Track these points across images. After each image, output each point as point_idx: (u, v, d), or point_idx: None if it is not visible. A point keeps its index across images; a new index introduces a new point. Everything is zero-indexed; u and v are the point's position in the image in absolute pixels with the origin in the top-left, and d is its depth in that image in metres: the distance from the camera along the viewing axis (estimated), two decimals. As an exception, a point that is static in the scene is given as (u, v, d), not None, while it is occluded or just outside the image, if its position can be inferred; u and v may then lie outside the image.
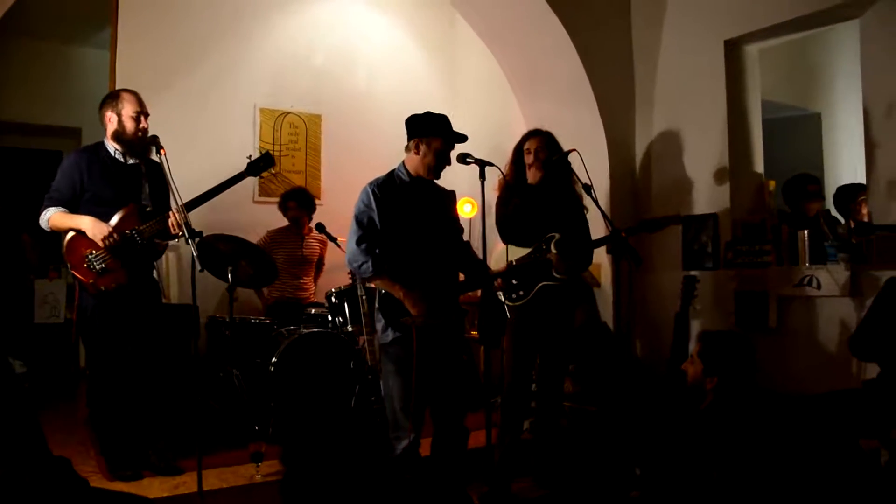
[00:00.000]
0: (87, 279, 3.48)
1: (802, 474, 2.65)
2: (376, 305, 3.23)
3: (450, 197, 3.44)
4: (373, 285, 3.43)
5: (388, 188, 3.22)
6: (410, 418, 3.13)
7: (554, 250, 3.50)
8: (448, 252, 3.29)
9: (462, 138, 3.22)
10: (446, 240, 3.30)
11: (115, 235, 3.44)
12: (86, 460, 3.85)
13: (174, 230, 3.45)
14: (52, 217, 3.52)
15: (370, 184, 3.23)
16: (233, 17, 5.86)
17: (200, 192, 3.55)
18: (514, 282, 3.58)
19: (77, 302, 3.63)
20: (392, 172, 3.29)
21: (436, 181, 3.34)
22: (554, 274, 3.52)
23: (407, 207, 3.20)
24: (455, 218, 3.30)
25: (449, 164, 3.24)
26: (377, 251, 3.15)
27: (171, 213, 3.44)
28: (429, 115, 3.24)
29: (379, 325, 3.24)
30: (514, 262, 3.54)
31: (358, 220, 3.19)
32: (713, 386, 2.89)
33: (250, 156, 3.75)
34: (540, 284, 3.54)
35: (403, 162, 3.28)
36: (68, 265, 3.55)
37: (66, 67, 7.50)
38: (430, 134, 3.19)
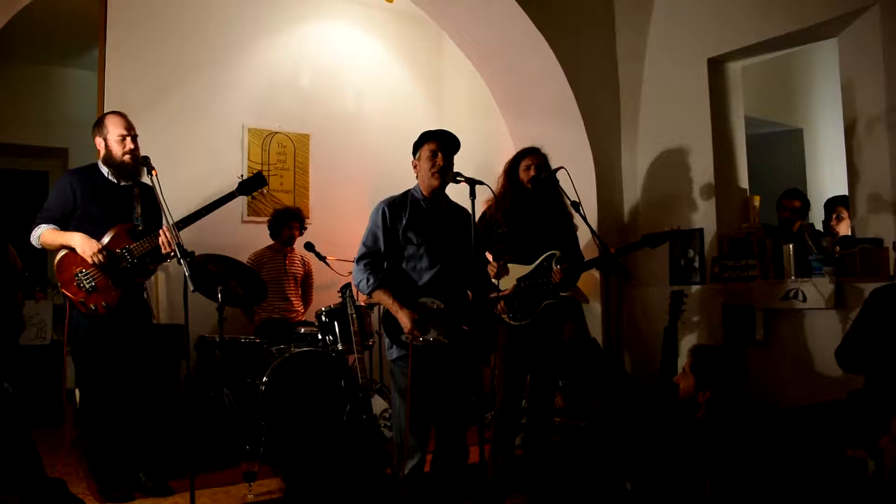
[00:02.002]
0: (77, 297, 3.48)
1: (794, 485, 2.68)
2: (380, 322, 3.27)
3: (465, 216, 3.37)
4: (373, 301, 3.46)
5: (399, 206, 3.28)
6: (415, 437, 3.14)
7: (556, 267, 3.54)
8: (456, 270, 3.29)
9: (448, 134, 3.28)
10: (455, 258, 3.29)
11: (104, 253, 3.44)
12: (75, 482, 3.82)
13: (165, 248, 3.45)
14: (43, 234, 3.54)
15: (382, 202, 3.30)
16: (221, 37, 5.89)
17: (190, 212, 3.56)
18: (515, 303, 3.59)
19: (67, 321, 3.62)
20: (408, 191, 3.36)
21: (457, 203, 3.42)
22: (560, 294, 3.56)
23: (416, 224, 3.24)
24: (468, 237, 3.23)
25: (451, 166, 3.26)
26: (379, 268, 3.21)
27: (161, 231, 3.45)
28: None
29: (385, 342, 3.28)
30: (523, 284, 3.55)
31: (364, 238, 3.27)
32: (706, 399, 2.92)
33: (241, 175, 3.78)
34: (545, 303, 3.57)
35: (417, 184, 3.35)
36: (58, 283, 3.55)
37: (52, 88, 7.52)
38: (418, 147, 3.31)
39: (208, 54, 5.83)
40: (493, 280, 3.49)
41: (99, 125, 3.69)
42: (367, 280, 3.18)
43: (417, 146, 3.31)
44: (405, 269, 3.24)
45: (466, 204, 3.15)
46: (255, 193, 3.81)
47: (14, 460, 3.02)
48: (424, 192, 3.31)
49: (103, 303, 3.50)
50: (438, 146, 3.24)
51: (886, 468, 2.71)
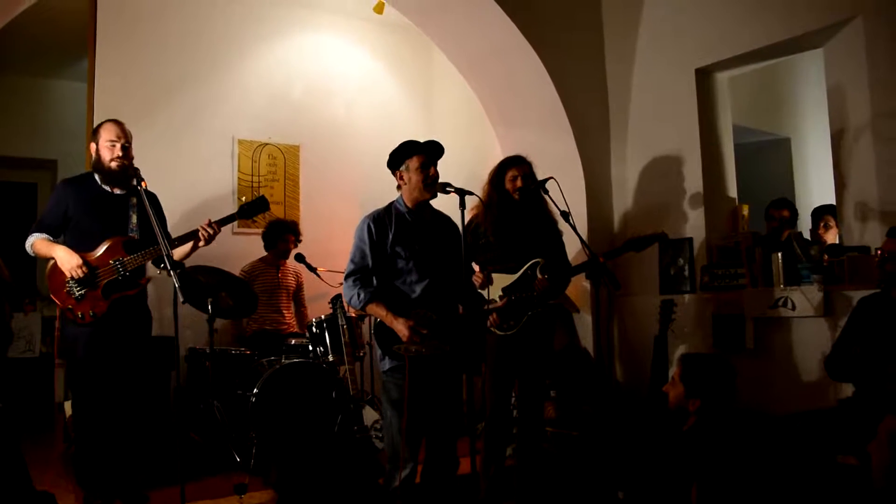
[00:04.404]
0: (65, 304, 3.47)
1: (784, 491, 2.69)
2: (372, 333, 3.25)
3: (451, 226, 3.39)
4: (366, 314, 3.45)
5: (383, 220, 3.26)
6: (408, 448, 3.13)
7: (540, 275, 3.54)
8: (446, 281, 3.27)
9: (436, 144, 3.27)
10: (444, 269, 3.28)
11: (84, 268, 3.44)
12: (63, 496, 3.79)
13: (203, 242, 3.55)
14: (35, 243, 3.56)
15: (366, 217, 3.28)
16: (211, 48, 5.89)
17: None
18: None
19: (58, 330, 3.61)
20: (391, 204, 3.33)
21: (440, 212, 3.40)
22: (547, 301, 3.56)
23: (403, 238, 3.23)
24: (456, 248, 3.23)
25: (438, 176, 3.26)
26: (368, 282, 3.20)
27: (200, 227, 3.55)
28: (398, 146, 3.29)
29: (377, 354, 3.27)
30: (513, 297, 3.53)
31: (352, 254, 3.26)
32: (696, 408, 2.92)
33: (244, 197, 3.78)
34: (529, 313, 3.57)
35: (401, 195, 3.33)
36: (48, 289, 3.55)
37: (42, 100, 7.51)
38: (405, 158, 3.26)
39: (198, 66, 5.83)
40: (478, 291, 3.49)
41: (95, 132, 3.72)
42: (359, 295, 3.17)
43: (402, 158, 3.26)
44: (397, 284, 3.23)
45: (451, 213, 3.14)
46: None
47: (2, 473, 3.00)
48: (409, 205, 3.29)
49: (91, 311, 3.47)
50: (428, 158, 3.23)
51: (875, 473, 2.73)
